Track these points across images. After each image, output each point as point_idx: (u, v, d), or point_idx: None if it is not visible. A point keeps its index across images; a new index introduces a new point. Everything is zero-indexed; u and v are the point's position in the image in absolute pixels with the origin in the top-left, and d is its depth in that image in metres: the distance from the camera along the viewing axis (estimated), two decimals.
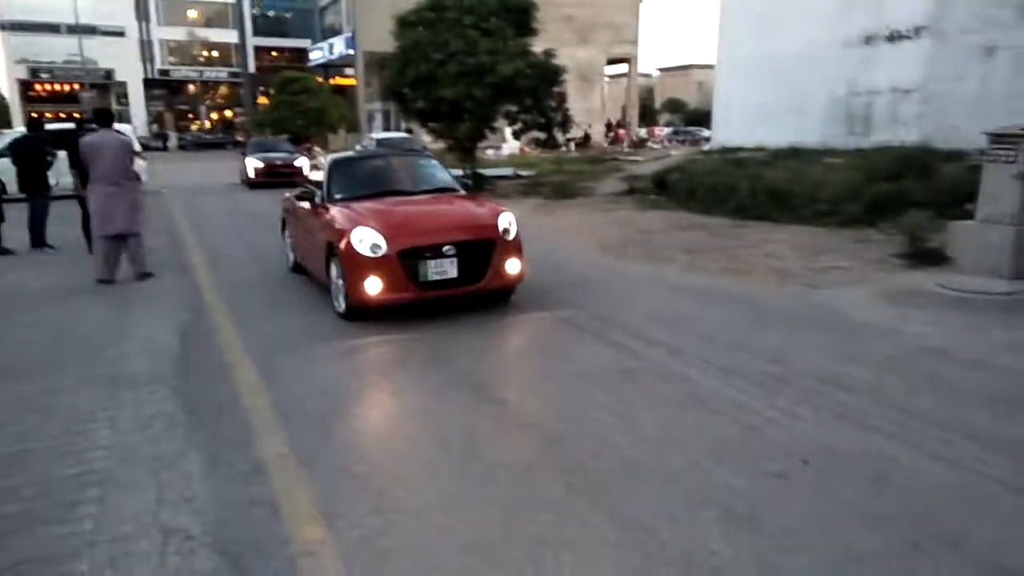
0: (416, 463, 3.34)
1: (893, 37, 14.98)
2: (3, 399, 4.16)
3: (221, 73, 53.32)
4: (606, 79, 44.17)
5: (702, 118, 45.40)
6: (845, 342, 4.95)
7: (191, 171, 25.94)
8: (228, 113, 54.72)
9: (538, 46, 16.61)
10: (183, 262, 8.57)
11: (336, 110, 33.96)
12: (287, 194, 7.83)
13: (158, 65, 51.55)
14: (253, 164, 19.11)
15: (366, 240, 5.39)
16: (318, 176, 7.35)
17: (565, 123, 17.00)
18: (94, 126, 7.48)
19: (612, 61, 43.49)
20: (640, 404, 3.94)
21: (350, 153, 7.73)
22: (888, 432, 3.48)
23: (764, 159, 14.59)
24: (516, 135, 17.97)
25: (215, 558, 2.57)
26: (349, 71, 40.12)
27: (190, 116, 53.68)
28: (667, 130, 48.59)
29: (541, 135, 17.25)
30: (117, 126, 7.89)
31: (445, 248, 5.46)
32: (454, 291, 5.59)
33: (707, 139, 28.61)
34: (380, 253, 5.34)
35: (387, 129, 32.03)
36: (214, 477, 3.17)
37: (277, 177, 18.52)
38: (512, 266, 5.83)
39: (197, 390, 4.27)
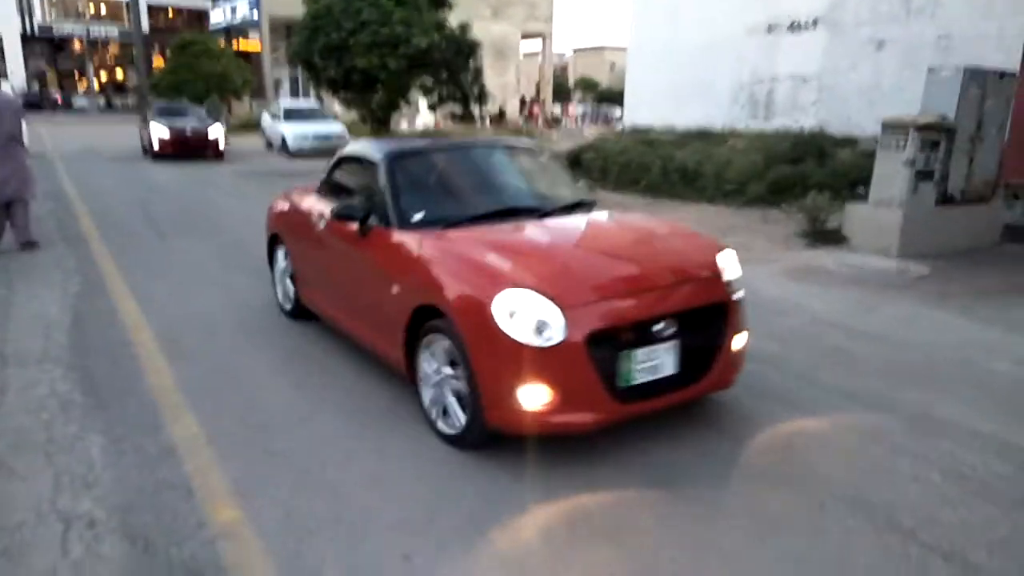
0: None
1: (794, 27, 15.69)
2: None
3: (111, 31, 49.55)
4: (521, 55, 44.12)
5: (614, 98, 46.23)
6: (755, 317, 5.16)
7: (79, 136, 24.06)
8: (119, 75, 51.05)
9: (453, 19, 16.39)
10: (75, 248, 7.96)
11: (240, 75, 32.30)
12: (290, 199, 5.01)
13: (38, 20, 47.29)
14: (158, 132, 16.25)
15: (525, 313, 2.83)
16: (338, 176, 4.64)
17: (481, 97, 16.94)
18: None
19: (526, 37, 43.46)
20: None
21: (415, 142, 4.69)
22: (793, 402, 3.68)
23: (674, 140, 15.03)
24: (432, 108, 17.72)
25: (124, 544, 2.42)
26: (253, 35, 38.22)
27: (77, 76, 49.75)
28: (581, 108, 49.15)
29: (457, 109, 17.10)
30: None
31: (659, 326, 3.01)
32: (671, 398, 3.11)
33: (619, 119, 29.15)
34: (554, 339, 2.82)
35: (295, 96, 30.83)
36: (118, 461, 2.98)
37: (187, 149, 16.45)
38: (739, 341, 3.44)
39: (95, 369, 4.00)
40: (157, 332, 4.63)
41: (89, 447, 3.09)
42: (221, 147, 17.02)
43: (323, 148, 18.01)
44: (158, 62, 40.62)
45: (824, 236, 7.61)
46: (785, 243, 7.67)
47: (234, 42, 38.71)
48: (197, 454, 3.06)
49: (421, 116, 28.16)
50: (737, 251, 7.16)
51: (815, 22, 15.26)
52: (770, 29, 16.17)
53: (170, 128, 16.38)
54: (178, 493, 2.74)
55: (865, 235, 7.31)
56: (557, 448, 3.09)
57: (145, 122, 17.61)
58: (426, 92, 16.66)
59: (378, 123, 16.80)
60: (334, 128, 18.85)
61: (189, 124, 16.90)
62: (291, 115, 19.16)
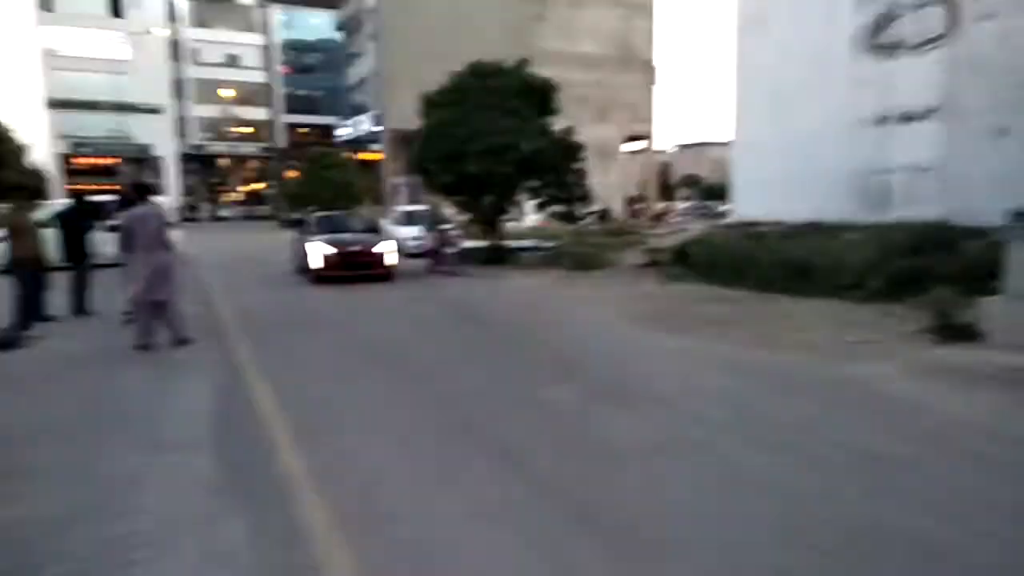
0: None
1: (906, 118, 15.39)
2: (50, 462, 4.23)
3: (252, 148, 55.36)
4: (624, 155, 45.26)
5: (719, 193, 46.15)
6: (881, 416, 4.93)
7: (224, 244, 26.45)
8: (258, 186, 56.49)
9: (558, 124, 17.24)
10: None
11: (362, 183, 35.09)
12: None
13: (192, 140, 53.69)
14: (321, 250, 13.30)
15: None
16: None
17: (585, 198, 17.47)
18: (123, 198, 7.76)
19: (629, 138, 44.68)
20: (674, 477, 3.93)
21: None
22: (934, 510, 3.44)
23: (783, 233, 14.78)
24: (538, 208, 18.39)
25: None
26: (375, 146, 41.49)
27: (220, 189, 55.49)
28: (685, 204, 49.31)
29: (562, 209, 17.67)
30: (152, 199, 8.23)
31: None
32: None
33: (725, 214, 28.98)
34: None
35: (412, 202, 32.82)
36: (257, 542, 3.20)
37: (354, 269, 13.30)
38: None
39: (233, 453, 4.33)
40: (292, 421, 4.97)
41: (229, 528, 3.33)
42: (388, 263, 13.81)
43: None
44: (292, 174, 44.75)
45: (953, 332, 7.17)
46: (909, 339, 7.27)
47: (358, 153, 42.19)
48: (325, 537, 3.24)
49: (529, 217, 29.19)
50: (856, 347, 6.91)
51: (929, 112, 14.92)
52: (881, 121, 15.91)
53: (335, 244, 13.46)
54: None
55: (1001, 330, 6.83)
56: None
57: (301, 235, 14.86)
58: (533, 194, 17.37)
59: (488, 225, 17.59)
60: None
61: (356, 240, 13.97)
62: (409, 219, 20.49)
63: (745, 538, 3.18)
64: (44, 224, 10.04)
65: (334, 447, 4.46)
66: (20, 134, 29.86)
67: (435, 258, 15.56)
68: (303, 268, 14.09)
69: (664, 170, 67.82)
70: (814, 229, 15.26)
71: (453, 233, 15.95)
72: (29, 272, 8.50)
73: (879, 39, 15.99)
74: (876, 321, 8.22)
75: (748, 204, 19.63)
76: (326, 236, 13.83)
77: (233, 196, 54.24)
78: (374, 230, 15.41)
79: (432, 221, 16.82)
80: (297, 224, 17.77)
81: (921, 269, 9.42)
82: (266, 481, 3.90)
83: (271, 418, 5.05)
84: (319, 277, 13.24)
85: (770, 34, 18.48)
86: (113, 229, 8.48)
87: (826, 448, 4.28)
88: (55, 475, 4.01)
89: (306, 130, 55.24)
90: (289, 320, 9.52)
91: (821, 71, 17.18)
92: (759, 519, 3.37)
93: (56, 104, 48.70)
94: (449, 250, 15.39)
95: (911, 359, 6.47)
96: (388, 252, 13.86)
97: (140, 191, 7.87)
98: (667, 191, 60.71)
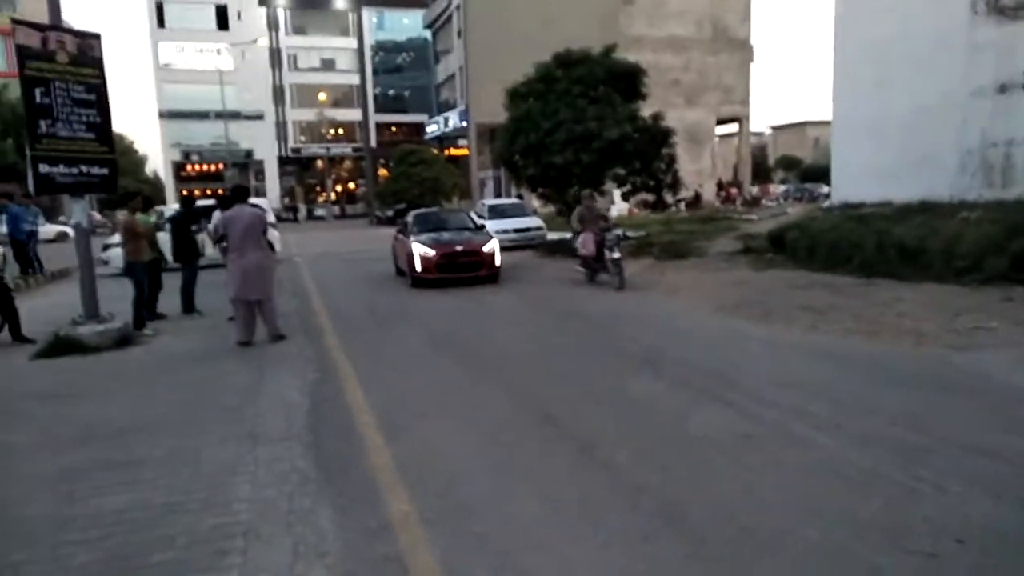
0: None
1: None
2: (156, 453, 4.53)
3: (346, 149, 57.42)
4: (716, 139, 43.85)
5: (819, 174, 43.97)
6: (996, 409, 4.54)
7: (323, 243, 27.48)
8: (351, 185, 58.55)
9: (646, 110, 16.85)
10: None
11: (450, 178, 35.66)
12: None
13: (291, 144, 56.28)
14: (422, 250, 12.07)
15: None
16: None
17: (674, 184, 17.03)
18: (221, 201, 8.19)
19: (722, 121, 43.24)
20: (765, 471, 3.76)
21: None
22: None
23: (890, 214, 13.87)
24: (625, 197, 18.08)
25: None
26: (462, 142, 42.10)
27: (317, 189, 57.87)
28: (783, 187, 47.24)
29: (650, 196, 17.30)
30: (254, 200, 8.64)
31: None
32: None
33: (826, 196, 27.56)
34: None
35: (498, 195, 33.10)
36: (345, 534, 3.30)
37: (459, 271, 12.04)
38: None
39: (324, 446, 4.49)
40: (381, 416, 5.11)
41: (322, 520, 3.45)
42: (497, 264, 12.47)
43: (522, 241, 19.06)
44: (383, 172, 46.12)
45: None
46: None
47: (446, 149, 42.97)
48: (409, 530, 3.30)
49: (616, 205, 28.82)
50: (975, 334, 6.38)
51: None
52: (1002, 89, 14.64)
53: (436, 246, 12.19)
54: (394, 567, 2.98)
55: None
56: None
57: (402, 234, 13.49)
58: (619, 182, 17.08)
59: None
60: (533, 222, 19.94)
61: (459, 240, 12.55)
62: (495, 212, 20.63)
63: (842, 537, 3.00)
64: (158, 227, 10.79)
65: (421, 442, 4.54)
66: (139, 145, 32.20)
67: (594, 265, 11.87)
68: (403, 270, 13.07)
69: (760, 152, 65.28)
70: (925, 209, 14.25)
71: (614, 235, 11.60)
72: (143, 273, 9.12)
73: (1002, 0, 14.68)
74: (994, 306, 7.58)
75: (851, 185, 18.54)
76: (426, 236, 12.54)
77: (328, 196, 56.42)
78: (475, 227, 13.75)
79: (592, 217, 12.31)
80: (392, 222, 18.00)
81: None
82: (355, 474, 4.02)
83: (361, 413, 5.20)
84: (421, 280, 12.04)
85: (873, 2, 17.31)
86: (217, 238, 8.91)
87: (932, 443, 3.98)
88: (162, 465, 4.27)
89: (395, 128, 56.78)
90: (383, 318, 9.79)
91: (931, 39, 15.93)
92: (857, 517, 3.17)
93: (167, 115, 52.29)
94: (615, 255, 11.23)
95: None
96: (497, 252, 12.45)
97: (237, 193, 8.28)
98: (763, 174, 58.41)
